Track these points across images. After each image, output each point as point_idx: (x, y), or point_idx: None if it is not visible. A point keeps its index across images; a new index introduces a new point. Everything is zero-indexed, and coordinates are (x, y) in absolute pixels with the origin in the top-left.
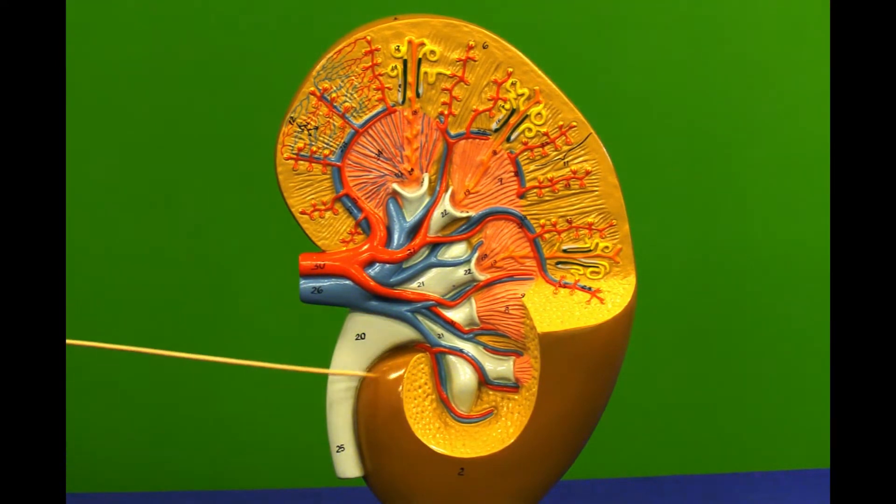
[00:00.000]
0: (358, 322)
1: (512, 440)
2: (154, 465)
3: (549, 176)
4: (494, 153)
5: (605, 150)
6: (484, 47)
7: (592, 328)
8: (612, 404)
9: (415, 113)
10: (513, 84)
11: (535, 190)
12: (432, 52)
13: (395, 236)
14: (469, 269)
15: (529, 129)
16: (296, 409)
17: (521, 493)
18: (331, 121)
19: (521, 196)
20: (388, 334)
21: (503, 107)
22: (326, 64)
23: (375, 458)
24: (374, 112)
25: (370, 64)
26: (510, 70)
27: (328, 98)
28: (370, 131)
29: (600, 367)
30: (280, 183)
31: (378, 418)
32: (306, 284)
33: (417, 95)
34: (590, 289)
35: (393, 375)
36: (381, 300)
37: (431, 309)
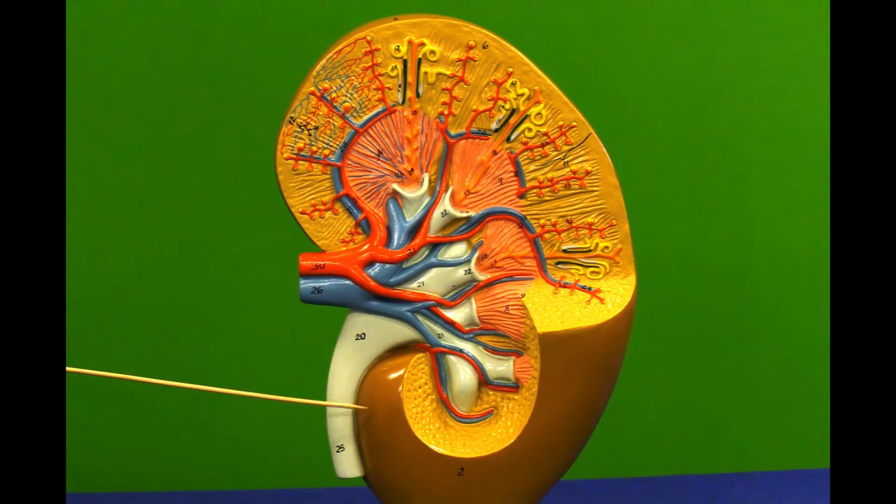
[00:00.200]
0: (358, 322)
1: (512, 440)
2: (154, 465)
3: (549, 176)
4: (494, 153)
5: (605, 150)
6: (484, 47)
7: (592, 328)
8: (612, 404)
9: (415, 113)
10: (513, 84)
11: (535, 190)
12: (432, 52)
13: (395, 236)
14: (469, 269)
15: (529, 129)
16: (296, 409)
17: (521, 493)
18: (331, 121)
19: (521, 196)
20: (388, 334)
21: (503, 107)
22: (326, 64)
23: (375, 458)
24: (374, 112)
25: (370, 64)
26: (510, 70)
27: (328, 98)
28: (370, 131)
29: (600, 367)
30: (280, 183)
31: (378, 418)
32: (306, 284)
33: (417, 95)
34: (590, 289)
35: (393, 375)
36: (381, 300)
37: (431, 309)
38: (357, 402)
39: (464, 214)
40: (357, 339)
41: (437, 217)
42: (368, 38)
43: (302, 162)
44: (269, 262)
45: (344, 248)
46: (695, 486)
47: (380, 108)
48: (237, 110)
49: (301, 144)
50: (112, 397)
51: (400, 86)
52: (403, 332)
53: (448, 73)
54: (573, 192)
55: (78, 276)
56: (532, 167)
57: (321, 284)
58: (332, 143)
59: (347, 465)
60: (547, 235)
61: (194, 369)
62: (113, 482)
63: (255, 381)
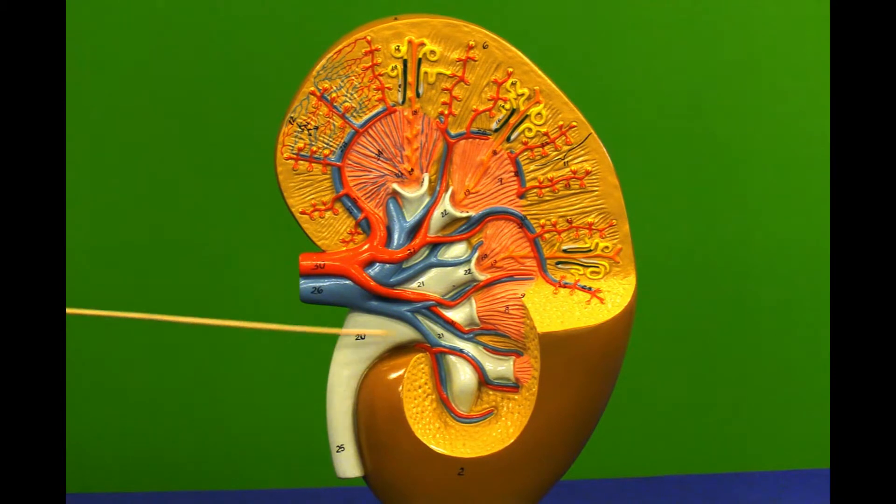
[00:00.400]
0: (358, 322)
1: (512, 440)
2: (154, 465)
3: (549, 176)
4: (494, 153)
5: (605, 150)
6: (484, 47)
7: (592, 328)
8: (612, 404)
9: (415, 113)
10: (513, 84)
11: (535, 190)
12: (432, 52)
13: (395, 236)
14: (469, 269)
15: (529, 129)
16: (296, 409)
17: (521, 493)
18: (331, 121)
19: (521, 196)
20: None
21: (503, 107)
22: (326, 64)
23: (375, 458)
24: (374, 112)
25: (370, 64)
26: (510, 70)
27: (328, 98)
28: (370, 131)
29: (600, 367)
30: (280, 183)
31: (378, 418)
32: (306, 284)
33: (417, 95)
34: (590, 289)
35: (393, 375)
36: (382, 300)
37: (431, 309)
38: (357, 402)
39: (464, 214)
40: (357, 339)
41: (437, 217)
42: (368, 38)
43: (302, 162)
44: (269, 262)
45: (344, 248)
46: (695, 486)
47: (380, 108)
48: (237, 110)
49: (301, 144)
50: (112, 397)
51: (400, 86)
52: (403, 332)
53: (448, 73)
54: (573, 192)
55: (78, 276)
56: (532, 167)
57: (321, 284)
58: (332, 143)
59: (347, 465)
60: (547, 235)
61: (194, 369)
62: (113, 482)
63: (255, 381)
